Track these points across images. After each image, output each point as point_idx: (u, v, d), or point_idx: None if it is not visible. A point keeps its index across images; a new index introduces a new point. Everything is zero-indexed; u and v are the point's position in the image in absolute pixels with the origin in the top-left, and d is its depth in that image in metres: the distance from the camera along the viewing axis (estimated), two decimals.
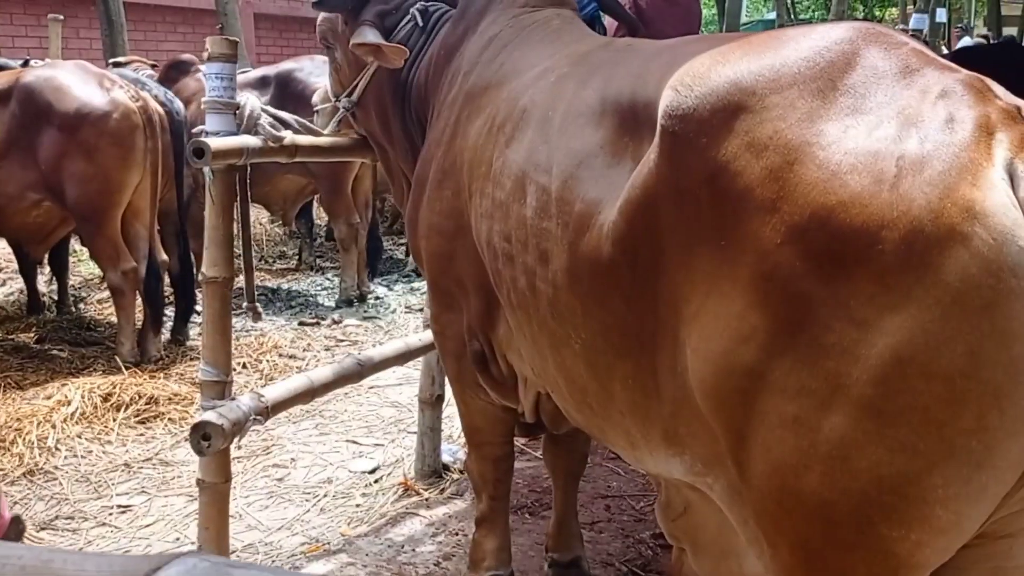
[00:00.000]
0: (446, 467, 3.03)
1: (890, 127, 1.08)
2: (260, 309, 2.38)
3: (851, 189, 1.06)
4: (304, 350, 4.46)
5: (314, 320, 5.02)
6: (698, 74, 1.23)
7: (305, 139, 2.31)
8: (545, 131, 1.54)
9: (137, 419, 3.43)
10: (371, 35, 2.11)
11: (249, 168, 2.23)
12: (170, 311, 4.52)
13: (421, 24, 2.21)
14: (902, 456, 1.04)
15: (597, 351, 1.41)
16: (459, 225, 1.81)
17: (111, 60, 5.96)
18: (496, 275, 1.68)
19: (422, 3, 2.23)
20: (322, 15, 2.37)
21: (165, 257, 4.37)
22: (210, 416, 1.97)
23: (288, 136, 2.20)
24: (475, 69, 1.89)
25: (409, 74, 2.20)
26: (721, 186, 1.16)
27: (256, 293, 2.48)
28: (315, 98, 2.59)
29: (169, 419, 3.45)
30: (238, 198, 2.24)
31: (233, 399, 2.09)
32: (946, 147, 1.05)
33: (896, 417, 1.03)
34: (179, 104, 4.41)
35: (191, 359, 4.22)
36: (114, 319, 4.35)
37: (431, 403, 3.00)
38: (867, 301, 1.04)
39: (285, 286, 5.83)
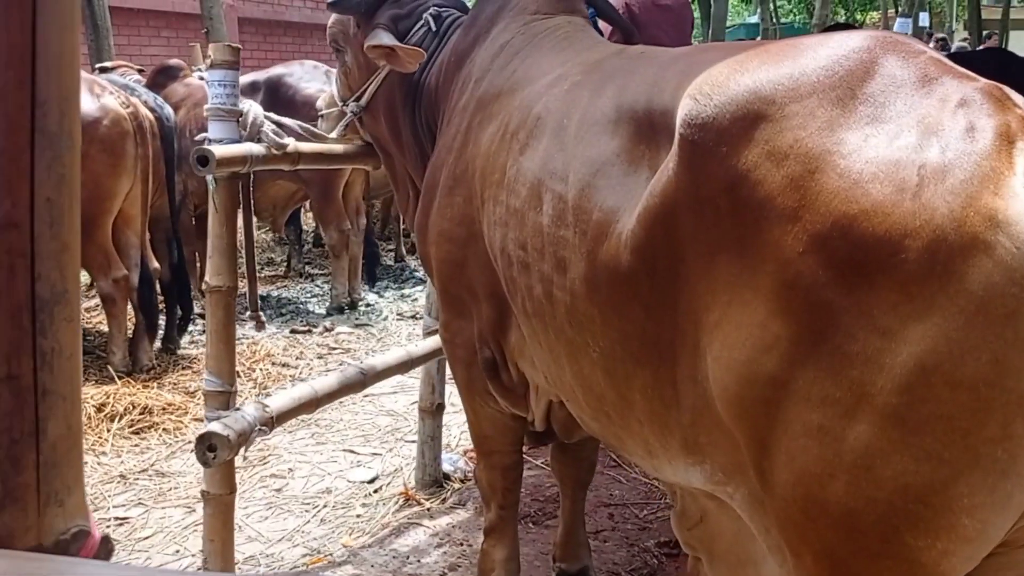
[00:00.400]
0: (447, 476, 3.01)
1: (911, 136, 1.08)
2: (263, 318, 2.36)
3: (873, 198, 1.06)
4: (297, 358, 4.43)
5: (306, 328, 4.98)
6: (717, 83, 1.22)
7: (308, 146, 2.28)
8: (560, 139, 1.54)
9: (131, 430, 3.39)
10: (386, 38, 2.08)
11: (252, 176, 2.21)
12: (160, 319, 4.47)
13: (434, 29, 2.18)
14: (927, 465, 1.04)
15: (616, 359, 1.40)
16: (470, 232, 1.79)
17: (97, 65, 5.89)
18: (510, 283, 1.67)
19: (435, 8, 2.21)
20: (334, 17, 2.34)
21: (156, 265, 4.32)
22: (215, 427, 1.95)
23: (291, 143, 2.18)
24: (487, 76, 1.88)
25: (420, 79, 2.18)
26: (741, 195, 1.16)
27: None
28: (320, 103, 2.56)
29: (164, 429, 3.41)
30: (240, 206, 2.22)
31: (237, 409, 2.07)
32: (967, 156, 1.05)
33: (921, 426, 1.03)
34: (169, 110, 4.37)
35: (183, 368, 4.18)
36: (103, 328, 4.29)
37: (431, 412, 2.98)
38: (890, 310, 1.04)
39: (275, 293, 5.79)
